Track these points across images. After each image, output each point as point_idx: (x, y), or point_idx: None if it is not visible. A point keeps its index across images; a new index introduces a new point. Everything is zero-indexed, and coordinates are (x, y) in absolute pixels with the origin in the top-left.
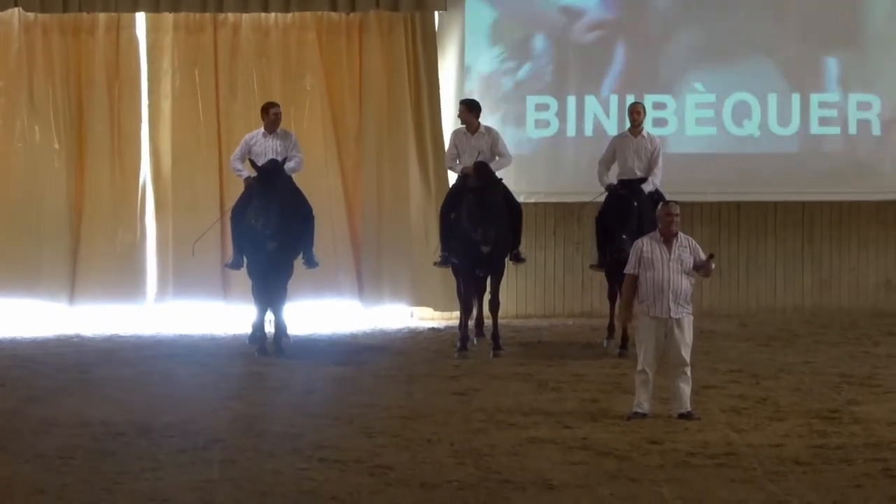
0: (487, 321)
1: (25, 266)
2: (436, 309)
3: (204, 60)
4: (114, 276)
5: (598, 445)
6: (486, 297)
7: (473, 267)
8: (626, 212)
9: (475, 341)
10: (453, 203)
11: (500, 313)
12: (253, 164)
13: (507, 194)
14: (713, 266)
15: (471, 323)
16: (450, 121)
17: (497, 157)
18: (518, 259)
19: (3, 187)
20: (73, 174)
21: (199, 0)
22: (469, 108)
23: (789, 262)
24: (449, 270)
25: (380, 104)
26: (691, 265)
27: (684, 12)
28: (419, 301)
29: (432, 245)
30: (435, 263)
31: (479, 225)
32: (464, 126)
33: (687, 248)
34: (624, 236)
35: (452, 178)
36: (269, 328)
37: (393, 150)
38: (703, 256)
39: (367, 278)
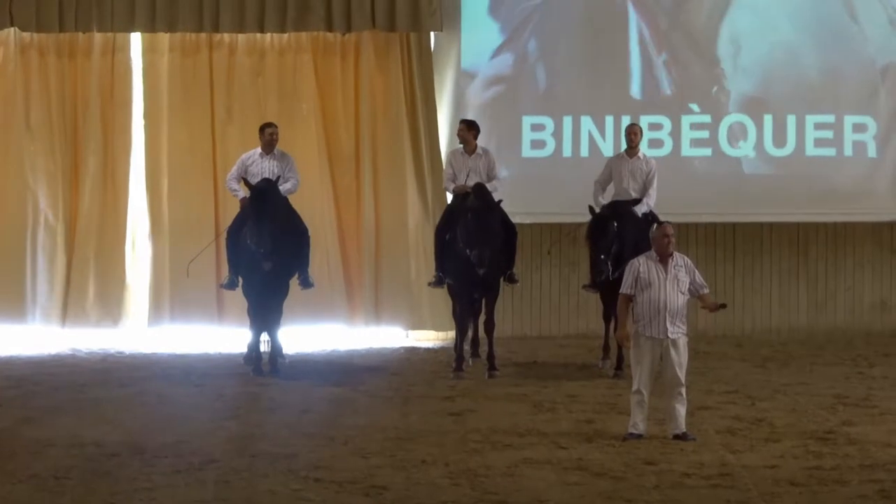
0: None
1: (19, 288)
2: (432, 329)
3: (199, 82)
4: (108, 299)
5: (593, 466)
6: (482, 317)
7: (469, 288)
8: (605, 232)
9: (470, 362)
10: (448, 223)
11: (496, 334)
12: (247, 183)
13: (503, 216)
14: (717, 305)
15: (466, 344)
16: (447, 141)
17: (491, 181)
18: (512, 280)
19: None
20: (69, 196)
21: (195, 20)
22: (469, 128)
23: (785, 282)
24: (445, 292)
25: (376, 125)
26: (688, 284)
27: (681, 35)
28: (415, 324)
29: (430, 267)
30: (429, 284)
31: (475, 247)
32: (461, 147)
33: (683, 267)
34: (602, 257)
35: (450, 198)
36: (265, 348)
37: (390, 170)
38: (700, 279)
39: (363, 302)
